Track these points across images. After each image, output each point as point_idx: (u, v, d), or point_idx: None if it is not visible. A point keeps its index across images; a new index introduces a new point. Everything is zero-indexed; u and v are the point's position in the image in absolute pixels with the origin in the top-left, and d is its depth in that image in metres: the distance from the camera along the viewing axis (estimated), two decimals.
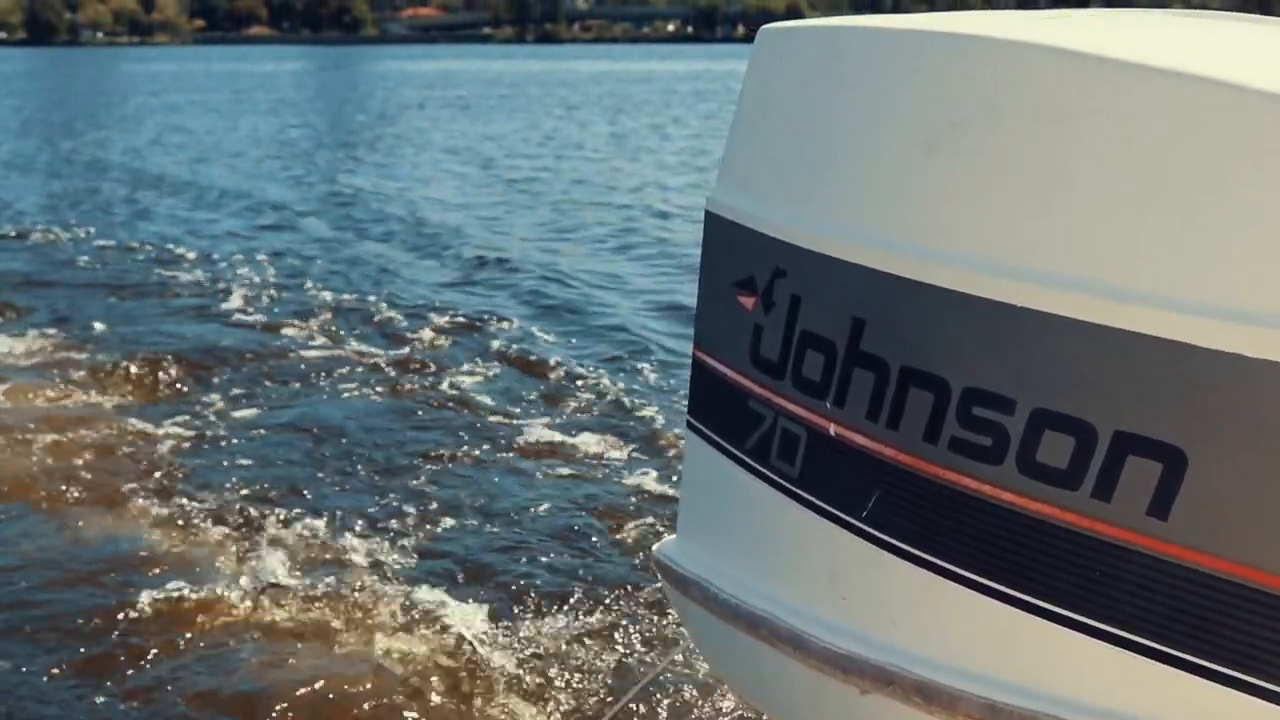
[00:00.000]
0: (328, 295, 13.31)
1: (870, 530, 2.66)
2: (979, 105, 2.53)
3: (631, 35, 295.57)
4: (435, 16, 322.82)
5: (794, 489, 2.84)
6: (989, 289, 2.42)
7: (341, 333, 11.68)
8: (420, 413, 9.21)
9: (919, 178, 2.61)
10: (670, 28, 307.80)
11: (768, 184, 3.02)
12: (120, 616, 5.96)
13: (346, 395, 9.61)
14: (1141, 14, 3.08)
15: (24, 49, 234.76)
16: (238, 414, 9.20)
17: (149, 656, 5.62)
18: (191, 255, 15.96)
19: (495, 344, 11.08)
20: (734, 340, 3.01)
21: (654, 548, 3.42)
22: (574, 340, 11.46)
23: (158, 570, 6.49)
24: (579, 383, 9.89)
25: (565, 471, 7.92)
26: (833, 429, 2.72)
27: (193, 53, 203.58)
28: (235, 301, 13.07)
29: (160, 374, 10.14)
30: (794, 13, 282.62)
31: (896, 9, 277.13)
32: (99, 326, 11.74)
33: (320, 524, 7.04)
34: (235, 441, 8.58)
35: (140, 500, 7.49)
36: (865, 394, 2.64)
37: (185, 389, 9.90)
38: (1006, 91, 2.49)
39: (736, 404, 3.00)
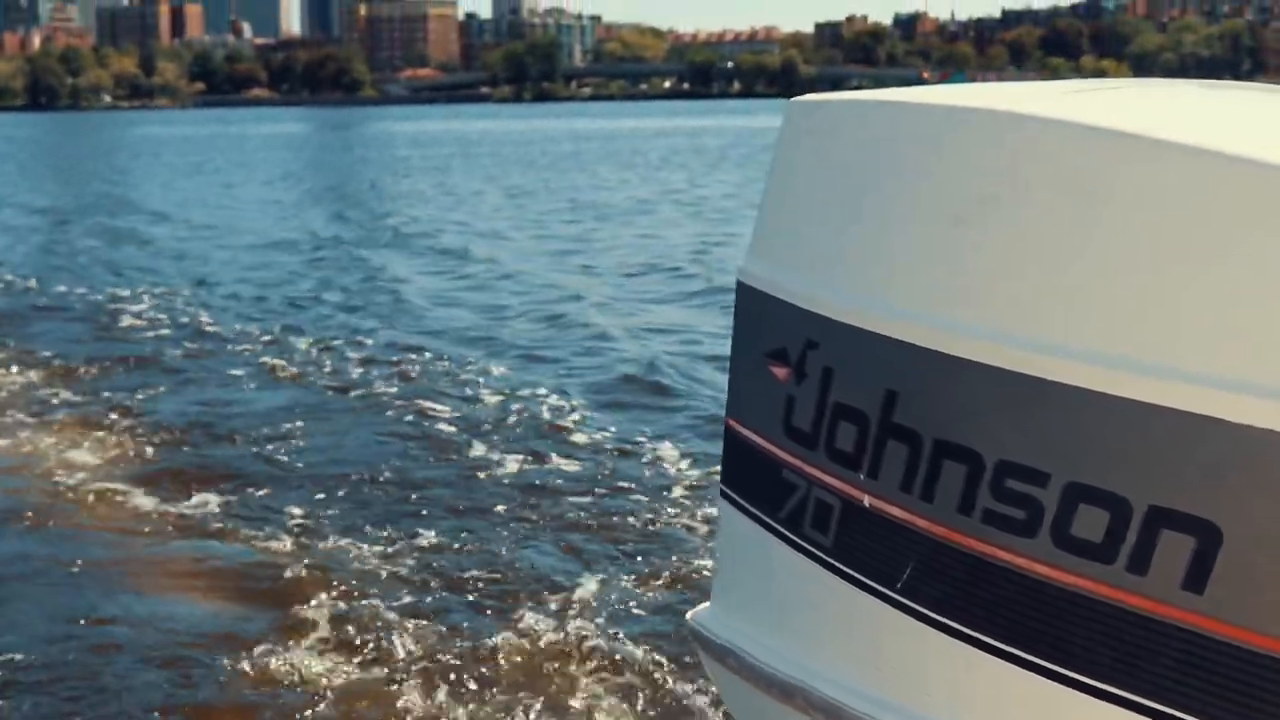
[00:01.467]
0: (381, 355, 13.56)
1: (905, 601, 2.66)
2: (1006, 180, 2.56)
3: (628, 92, 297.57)
4: (433, 77, 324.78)
5: (828, 559, 2.85)
6: (1019, 362, 2.43)
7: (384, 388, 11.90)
8: (451, 468, 9.36)
9: (948, 251, 2.64)
10: (666, 84, 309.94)
11: (799, 255, 3.04)
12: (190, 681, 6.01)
13: (410, 466, 9.64)
14: (1159, 85, 3.12)
15: (26, 114, 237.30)
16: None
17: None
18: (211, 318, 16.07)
19: (528, 411, 10.95)
20: (767, 410, 3.02)
21: (688, 614, 3.43)
22: (604, 404, 11.34)
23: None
24: (610, 447, 9.82)
25: (600, 534, 7.89)
26: (867, 500, 2.73)
27: (193, 116, 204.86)
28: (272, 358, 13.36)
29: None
30: (789, 68, 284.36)
31: (891, 62, 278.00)
32: (137, 388, 11.95)
33: (377, 604, 7.05)
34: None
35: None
36: (899, 466, 2.65)
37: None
38: (1033, 167, 2.52)
39: (770, 473, 3.02)
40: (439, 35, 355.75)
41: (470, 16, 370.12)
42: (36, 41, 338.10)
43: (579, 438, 10.17)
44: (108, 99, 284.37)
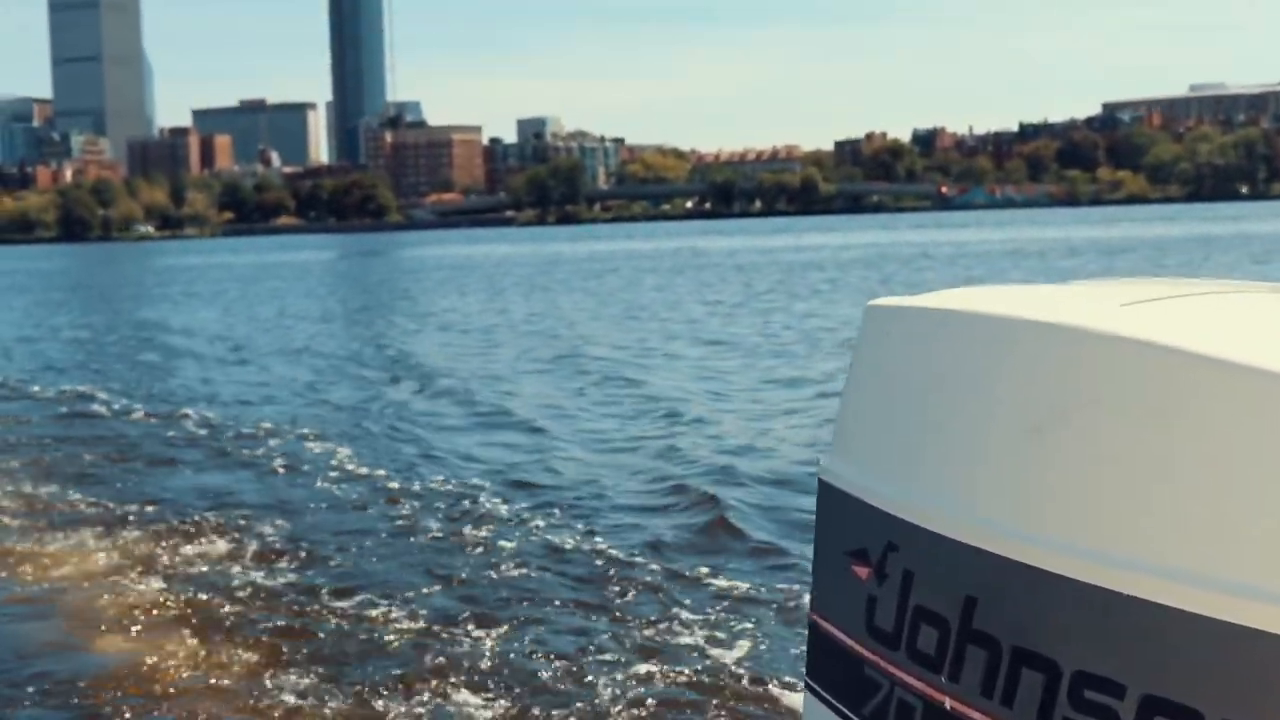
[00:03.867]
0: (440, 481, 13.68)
1: None
2: (1080, 396, 2.62)
3: (650, 213, 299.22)
4: (458, 201, 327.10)
5: None
6: (1094, 575, 2.47)
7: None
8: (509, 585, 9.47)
9: (1024, 461, 2.69)
10: (688, 204, 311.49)
11: (878, 457, 3.11)
12: None
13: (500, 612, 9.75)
14: (1232, 290, 3.15)
15: (59, 246, 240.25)
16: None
17: None
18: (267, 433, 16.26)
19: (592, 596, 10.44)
20: (849, 607, 3.07)
21: None
22: (688, 588, 10.59)
23: None
24: (693, 632, 9.35)
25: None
26: (948, 703, 2.76)
27: (222, 244, 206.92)
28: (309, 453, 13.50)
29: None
30: (809, 186, 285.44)
31: (911, 177, 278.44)
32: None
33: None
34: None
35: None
36: (979, 671, 2.68)
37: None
38: (1107, 385, 2.58)
39: (853, 670, 3.05)
40: (464, 160, 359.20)
41: (495, 141, 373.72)
42: (68, 174, 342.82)
43: (636, 620, 9.74)
44: (139, 229, 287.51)
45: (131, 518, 12.82)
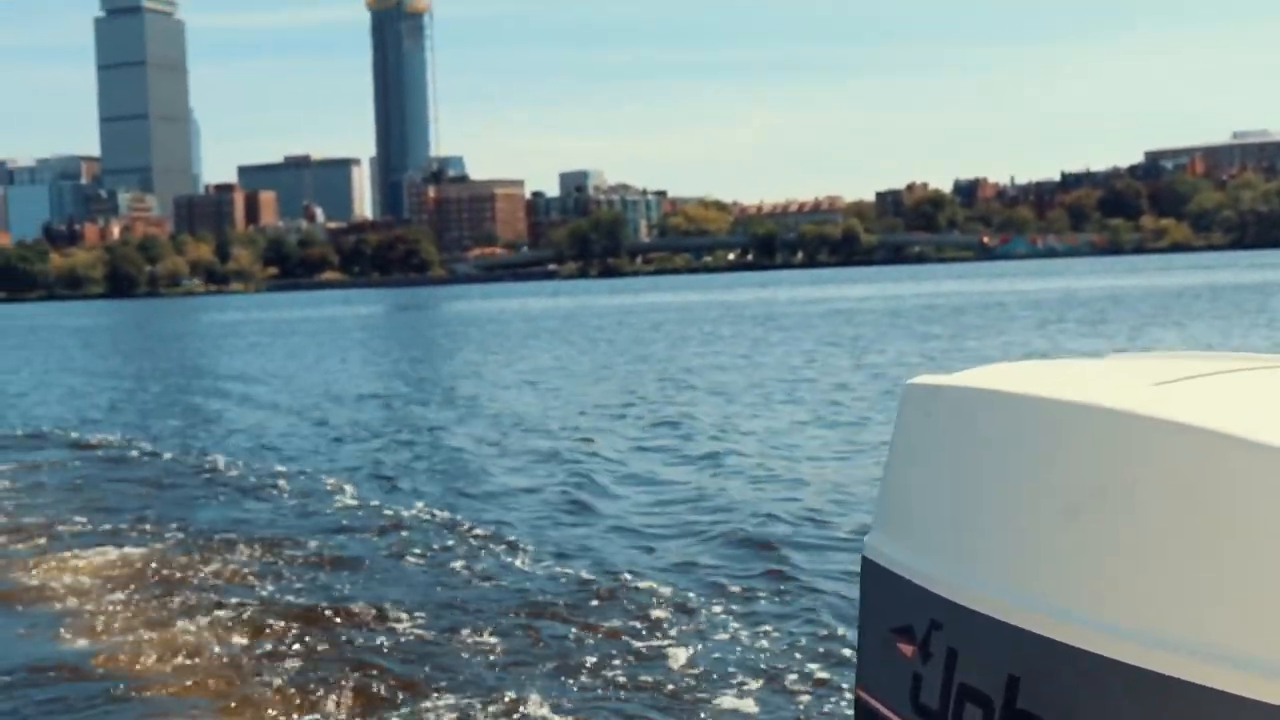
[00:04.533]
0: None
1: None
2: (1116, 476, 2.65)
3: (692, 265, 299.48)
4: (501, 255, 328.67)
5: None
6: (1135, 656, 2.48)
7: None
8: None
9: (1063, 540, 2.71)
10: (730, 256, 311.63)
11: (920, 535, 3.15)
12: None
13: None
14: (1263, 366, 3.18)
15: (106, 301, 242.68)
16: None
17: None
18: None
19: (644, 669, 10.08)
20: (894, 684, 3.10)
21: None
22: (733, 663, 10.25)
23: None
24: (737, 701, 9.08)
25: None
26: None
27: (267, 300, 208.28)
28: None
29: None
30: (850, 237, 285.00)
31: (952, 227, 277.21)
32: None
33: None
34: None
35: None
36: None
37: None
38: (1142, 465, 2.61)
39: None
40: (507, 214, 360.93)
41: (537, 194, 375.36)
42: (116, 231, 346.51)
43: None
44: (185, 285, 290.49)
45: (169, 537, 13.90)
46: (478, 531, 14.55)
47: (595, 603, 11.40)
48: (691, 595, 11.75)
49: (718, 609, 11.29)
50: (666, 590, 11.87)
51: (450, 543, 13.80)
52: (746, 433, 23.25)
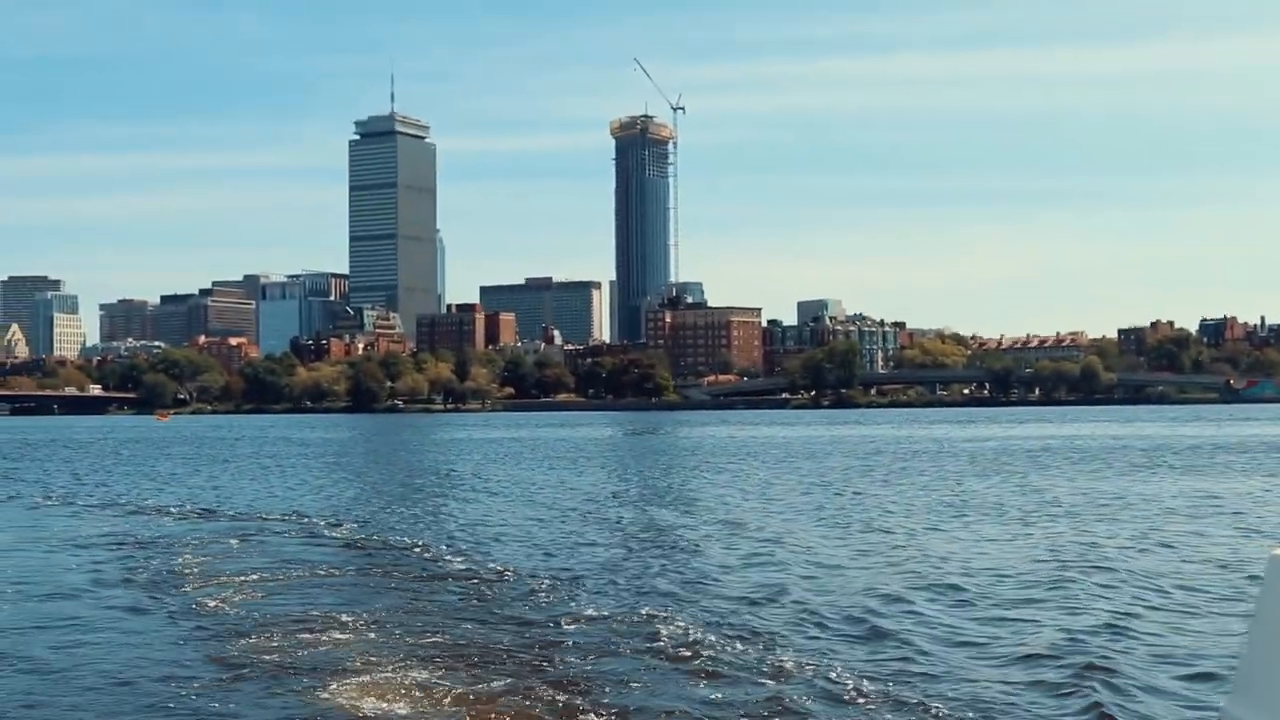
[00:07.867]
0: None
1: None
2: None
3: (925, 399, 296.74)
4: (734, 382, 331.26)
5: None
6: None
7: None
8: None
9: None
10: (965, 391, 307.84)
11: None
12: None
13: None
14: None
15: (349, 415, 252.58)
16: None
17: None
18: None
19: None
20: None
21: None
22: None
23: None
24: None
25: None
26: None
27: (501, 418, 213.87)
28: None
29: None
30: (1089, 375, 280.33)
31: (1197, 368, 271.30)
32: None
33: None
34: None
35: None
36: None
37: None
38: None
39: None
40: (742, 340, 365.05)
41: (774, 323, 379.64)
42: (360, 347, 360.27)
43: None
44: (423, 401, 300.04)
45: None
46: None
47: None
48: None
49: None
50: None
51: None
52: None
